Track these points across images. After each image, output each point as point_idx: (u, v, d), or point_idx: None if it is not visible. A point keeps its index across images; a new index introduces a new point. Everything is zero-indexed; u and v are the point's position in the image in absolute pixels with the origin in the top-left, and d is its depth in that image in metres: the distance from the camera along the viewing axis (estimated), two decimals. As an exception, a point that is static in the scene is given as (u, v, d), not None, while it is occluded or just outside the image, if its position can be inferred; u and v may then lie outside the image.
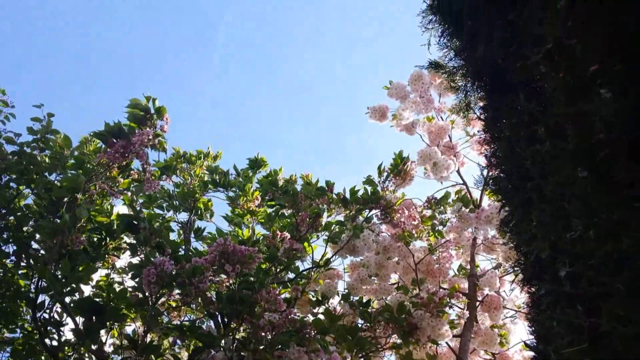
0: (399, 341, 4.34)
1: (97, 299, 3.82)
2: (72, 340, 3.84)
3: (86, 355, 4.02)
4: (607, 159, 1.26)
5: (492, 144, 1.95)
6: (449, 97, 5.35)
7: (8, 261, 4.08)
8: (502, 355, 4.87)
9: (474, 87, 2.12)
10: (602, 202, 1.31)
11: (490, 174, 4.26)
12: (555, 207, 1.58)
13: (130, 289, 3.88)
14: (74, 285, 3.64)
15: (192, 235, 5.30)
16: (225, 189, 5.67)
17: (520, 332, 5.40)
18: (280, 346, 3.72)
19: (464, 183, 5.43)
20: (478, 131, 5.18)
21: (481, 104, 2.10)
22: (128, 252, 4.32)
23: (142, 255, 3.90)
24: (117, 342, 4.11)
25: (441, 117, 5.45)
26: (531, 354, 4.91)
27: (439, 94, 5.38)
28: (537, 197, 1.66)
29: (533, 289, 1.94)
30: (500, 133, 1.85)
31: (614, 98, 1.35)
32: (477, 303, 4.81)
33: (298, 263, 4.94)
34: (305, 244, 4.94)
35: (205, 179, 5.69)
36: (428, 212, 4.97)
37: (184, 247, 4.82)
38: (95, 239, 4.10)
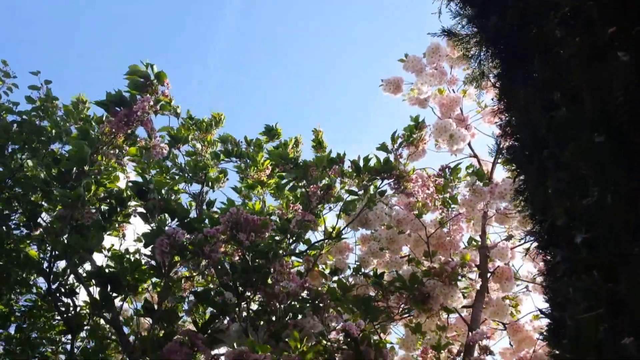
0: (411, 311, 4.37)
1: (111, 269, 3.87)
2: (87, 310, 3.91)
3: (101, 324, 4.11)
4: (625, 123, 1.24)
5: (506, 112, 1.94)
6: (460, 68, 5.30)
7: (18, 232, 4.12)
8: (513, 326, 4.90)
9: (487, 55, 2.09)
10: (620, 167, 1.30)
11: (503, 144, 4.24)
12: (571, 174, 1.57)
13: (143, 259, 3.93)
14: (85, 255, 3.68)
15: (204, 207, 5.33)
16: (237, 159, 5.68)
17: (530, 303, 5.43)
18: (295, 316, 3.77)
19: (475, 155, 5.41)
20: (492, 99, 5.13)
21: (495, 72, 2.07)
22: (136, 222, 4.35)
23: (153, 224, 3.93)
24: (133, 311, 4.18)
25: (453, 90, 5.40)
26: (542, 323, 4.95)
27: (450, 66, 5.32)
28: (553, 164, 1.65)
29: (548, 257, 1.95)
30: (515, 101, 1.83)
31: (631, 61, 1.32)
32: (488, 274, 4.83)
33: (309, 234, 4.97)
34: (317, 216, 4.95)
35: (218, 147, 5.69)
36: (442, 182, 4.94)
37: (195, 217, 4.84)
38: (105, 208, 4.12)
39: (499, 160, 5.08)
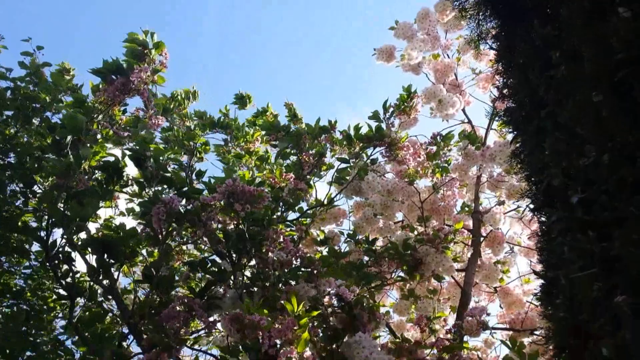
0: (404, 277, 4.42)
1: (108, 236, 3.87)
2: (85, 277, 3.92)
3: (99, 291, 4.12)
4: (626, 80, 1.23)
5: (504, 74, 1.93)
6: (455, 33, 5.28)
7: (14, 200, 4.10)
8: (504, 289, 5.00)
9: (486, 15, 2.07)
10: (619, 125, 1.30)
11: (500, 107, 4.24)
12: (569, 134, 1.57)
13: (138, 227, 3.93)
14: (81, 224, 3.68)
15: (194, 177, 5.31)
16: (224, 130, 5.65)
17: (520, 267, 5.53)
18: (288, 281, 3.81)
19: (470, 121, 5.42)
20: (487, 65, 5.12)
21: (493, 32, 2.05)
22: (128, 196, 4.34)
23: (150, 192, 3.92)
24: (130, 279, 4.20)
25: (447, 55, 5.37)
26: (532, 286, 5.03)
27: (445, 31, 5.29)
28: (551, 124, 1.65)
29: (543, 218, 1.96)
30: (513, 62, 1.82)
31: (633, 17, 1.31)
32: (481, 239, 4.90)
33: (301, 203, 4.98)
34: (308, 185, 4.96)
35: (195, 122, 5.65)
36: (433, 149, 4.96)
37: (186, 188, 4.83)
38: (102, 178, 4.10)
39: (495, 124, 5.10)
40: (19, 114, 4.00)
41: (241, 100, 5.89)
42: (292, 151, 5.03)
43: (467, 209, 5.40)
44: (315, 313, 3.38)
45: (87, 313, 4.16)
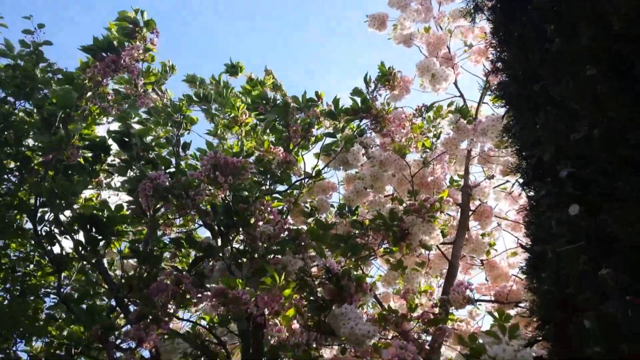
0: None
1: (95, 213, 3.85)
2: (73, 253, 3.90)
3: (87, 267, 4.12)
4: (627, 58, 1.22)
5: (499, 47, 1.91)
6: (448, 5, 5.23)
7: (11, 176, 4.06)
8: (490, 262, 5.07)
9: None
10: (613, 100, 1.30)
11: (493, 80, 4.23)
12: (561, 109, 1.57)
13: (125, 204, 3.91)
14: (69, 201, 3.65)
15: (181, 150, 5.26)
16: (207, 102, 5.57)
17: (506, 241, 5.62)
18: (276, 254, 3.82)
19: (462, 95, 5.40)
20: (482, 36, 5.09)
21: (489, 4, 2.02)
22: (116, 176, 4.31)
23: (136, 171, 3.88)
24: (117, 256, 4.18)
25: (440, 27, 5.33)
26: (518, 259, 5.09)
27: (439, 3, 5.24)
28: (545, 99, 1.64)
29: (532, 193, 1.97)
30: (509, 35, 1.80)
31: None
32: (470, 213, 4.94)
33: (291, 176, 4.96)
34: (297, 156, 4.94)
35: (181, 94, 5.57)
36: (418, 121, 4.96)
37: (174, 162, 4.80)
38: (89, 156, 4.07)
39: (488, 99, 5.09)
40: (19, 92, 3.94)
41: (232, 69, 5.84)
42: (280, 123, 4.99)
43: (455, 184, 5.43)
44: (293, 284, 3.40)
45: (75, 288, 4.16)
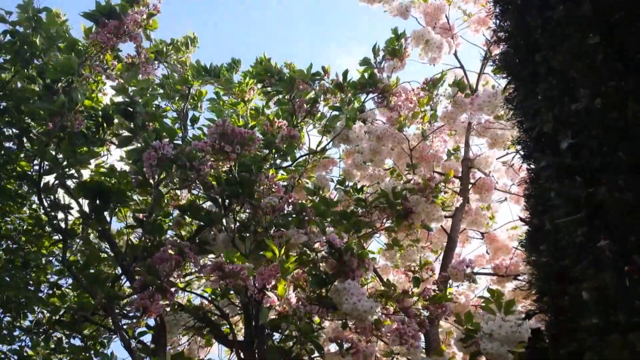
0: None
1: (101, 181, 3.86)
2: (79, 221, 3.93)
3: (93, 235, 4.16)
4: (623, 23, 1.21)
5: (501, 16, 1.88)
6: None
7: (11, 144, 4.07)
8: (490, 235, 5.09)
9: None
10: (613, 70, 1.28)
11: (494, 51, 4.17)
12: (562, 79, 1.55)
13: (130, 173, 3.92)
14: (75, 168, 3.66)
15: (189, 123, 5.26)
16: (216, 77, 5.54)
17: (504, 214, 5.62)
18: (280, 227, 3.84)
19: (461, 66, 5.35)
20: (482, 5, 5.02)
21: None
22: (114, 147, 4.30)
23: (140, 141, 3.88)
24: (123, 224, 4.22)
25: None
26: (517, 232, 5.11)
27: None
28: (545, 69, 1.63)
29: (532, 166, 1.97)
30: (510, 3, 1.77)
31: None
32: (470, 185, 4.93)
33: (295, 151, 4.96)
34: (301, 131, 4.93)
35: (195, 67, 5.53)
36: (425, 94, 4.91)
37: (180, 135, 4.80)
38: (92, 125, 4.06)
39: (490, 69, 5.04)
40: (17, 58, 3.90)
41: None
42: (285, 97, 4.97)
43: (455, 155, 5.41)
44: (293, 258, 3.42)
45: (80, 255, 4.20)
